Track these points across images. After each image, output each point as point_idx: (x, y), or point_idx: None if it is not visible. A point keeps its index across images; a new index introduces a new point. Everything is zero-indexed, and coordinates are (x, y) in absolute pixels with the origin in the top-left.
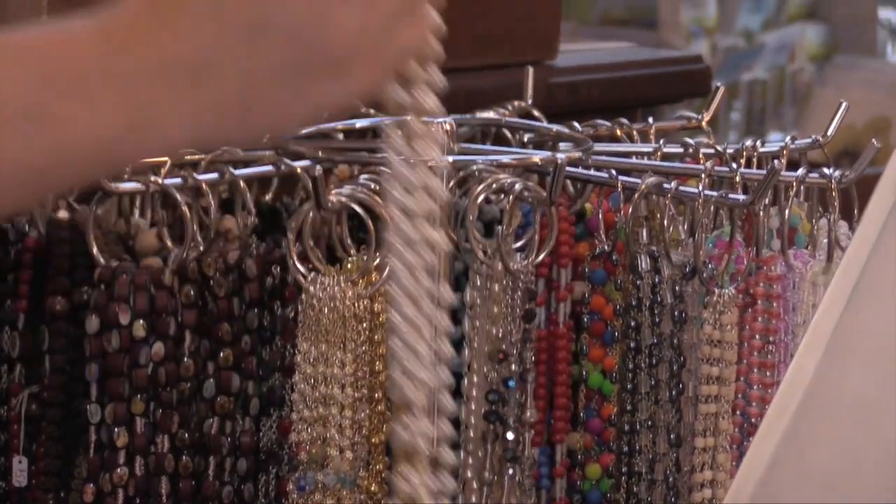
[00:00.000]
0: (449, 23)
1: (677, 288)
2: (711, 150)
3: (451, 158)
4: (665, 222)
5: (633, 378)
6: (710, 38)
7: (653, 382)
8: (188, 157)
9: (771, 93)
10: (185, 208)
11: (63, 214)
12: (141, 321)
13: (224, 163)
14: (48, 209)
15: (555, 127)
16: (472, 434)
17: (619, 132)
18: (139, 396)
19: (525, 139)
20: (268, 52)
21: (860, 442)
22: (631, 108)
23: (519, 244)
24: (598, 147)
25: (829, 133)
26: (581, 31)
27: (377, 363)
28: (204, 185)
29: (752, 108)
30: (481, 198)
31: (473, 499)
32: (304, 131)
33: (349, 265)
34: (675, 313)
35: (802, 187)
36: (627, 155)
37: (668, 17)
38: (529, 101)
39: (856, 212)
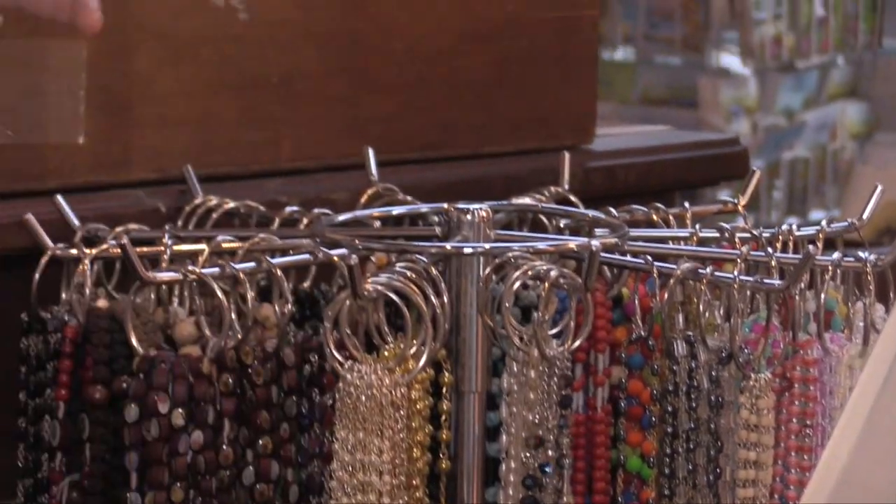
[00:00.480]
0: (485, 108)
1: (714, 373)
2: (747, 235)
3: (487, 245)
4: (701, 307)
5: (670, 463)
6: (750, 117)
7: (690, 467)
8: (226, 246)
9: (812, 171)
10: (222, 297)
11: (102, 304)
12: (180, 409)
13: (261, 251)
14: (87, 299)
15: (591, 213)
16: None
17: (655, 217)
18: (179, 484)
19: (561, 225)
20: None
21: None
22: (668, 192)
23: (555, 330)
24: (634, 232)
25: (864, 217)
26: (620, 111)
27: (415, 450)
28: (241, 274)
29: (793, 187)
30: (517, 284)
31: None
32: (340, 218)
33: (386, 353)
34: (712, 398)
35: (838, 271)
36: (663, 240)
37: (708, 97)
38: (566, 186)
39: (892, 294)
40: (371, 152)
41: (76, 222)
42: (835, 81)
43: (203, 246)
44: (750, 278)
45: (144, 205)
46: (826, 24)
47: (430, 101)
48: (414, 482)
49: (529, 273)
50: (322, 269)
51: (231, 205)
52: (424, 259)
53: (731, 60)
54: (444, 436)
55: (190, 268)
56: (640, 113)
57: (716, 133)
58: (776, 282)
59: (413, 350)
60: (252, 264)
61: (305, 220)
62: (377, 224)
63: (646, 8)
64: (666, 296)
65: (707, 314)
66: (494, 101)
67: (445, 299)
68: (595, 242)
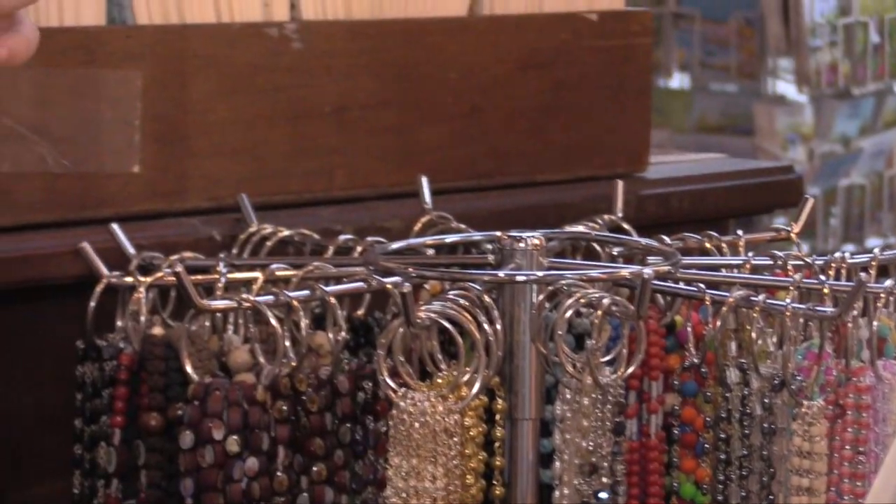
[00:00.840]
0: (538, 136)
1: (767, 400)
2: (800, 262)
3: (540, 273)
4: (754, 335)
5: (724, 490)
6: (806, 144)
7: (744, 494)
8: (280, 274)
9: (869, 198)
10: (276, 325)
11: (157, 331)
12: (234, 436)
13: (315, 279)
14: (143, 326)
15: (644, 240)
16: None
17: (708, 245)
18: None
19: (614, 252)
20: None
21: None
22: (722, 220)
23: (608, 358)
24: (687, 260)
25: None
26: (676, 138)
27: (468, 477)
28: (295, 302)
29: (850, 214)
30: (570, 312)
31: None
32: (394, 247)
33: (439, 380)
34: (765, 425)
35: (891, 298)
36: (716, 268)
37: (764, 125)
38: (619, 214)
39: None
40: (425, 181)
41: (131, 250)
42: (891, 108)
43: (257, 274)
44: (803, 306)
45: (199, 233)
46: (882, 51)
47: (484, 130)
48: None
49: (582, 301)
50: (376, 297)
51: (285, 233)
52: (478, 287)
53: (786, 87)
54: (497, 462)
55: (244, 296)
56: (696, 140)
57: (770, 161)
58: (829, 309)
59: (466, 377)
60: (306, 292)
61: (359, 249)
62: (431, 252)
63: (701, 35)
64: (719, 323)
65: (760, 341)
66: (548, 130)
67: (499, 327)
68: (648, 270)
